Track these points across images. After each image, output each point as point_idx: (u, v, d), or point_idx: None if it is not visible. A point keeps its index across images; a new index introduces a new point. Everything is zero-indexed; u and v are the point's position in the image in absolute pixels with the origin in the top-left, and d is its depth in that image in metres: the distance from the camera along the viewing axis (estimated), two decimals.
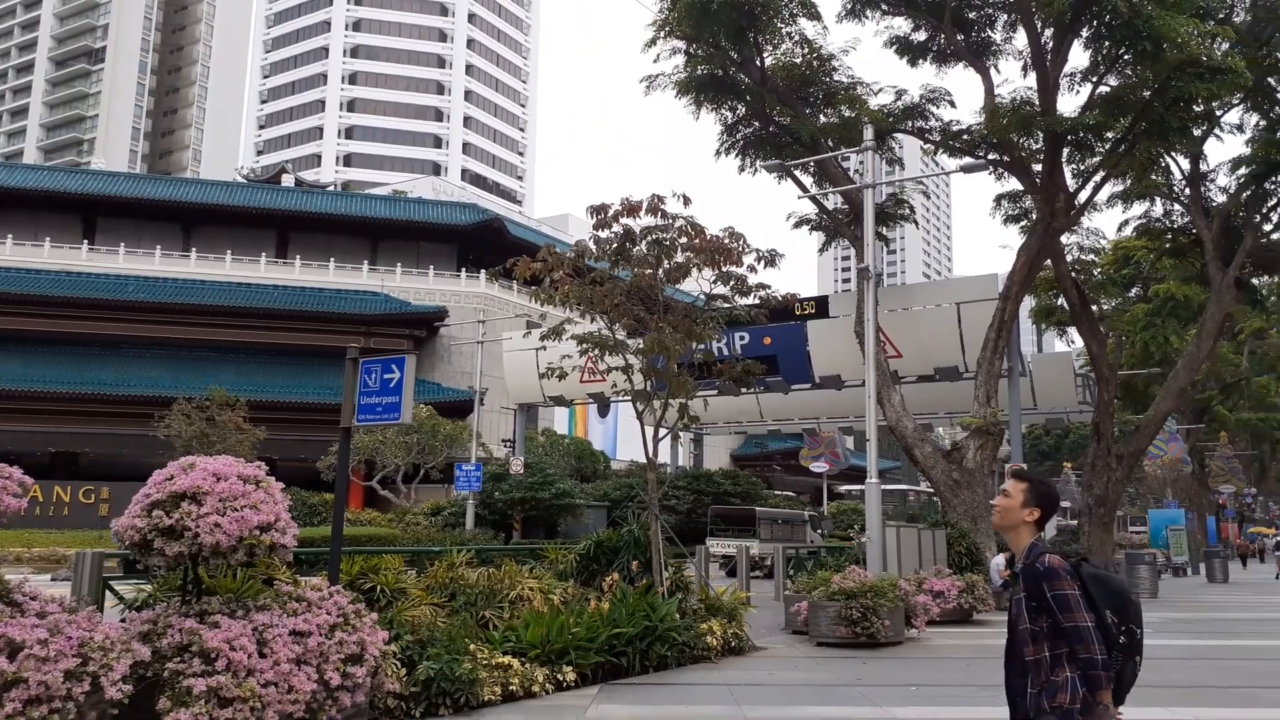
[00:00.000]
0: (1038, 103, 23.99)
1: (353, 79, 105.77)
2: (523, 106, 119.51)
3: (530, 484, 34.40)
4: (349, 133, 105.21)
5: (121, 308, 45.35)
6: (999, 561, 15.46)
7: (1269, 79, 26.95)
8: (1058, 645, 3.63)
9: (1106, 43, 22.41)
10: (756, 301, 13.69)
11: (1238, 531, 50.87)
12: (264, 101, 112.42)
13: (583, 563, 13.50)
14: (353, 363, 9.18)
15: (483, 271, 53.55)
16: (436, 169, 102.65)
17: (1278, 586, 30.26)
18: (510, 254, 13.34)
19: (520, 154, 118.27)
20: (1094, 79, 23.88)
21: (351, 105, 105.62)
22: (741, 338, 26.62)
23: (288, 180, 65.16)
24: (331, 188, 74.62)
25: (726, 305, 13.51)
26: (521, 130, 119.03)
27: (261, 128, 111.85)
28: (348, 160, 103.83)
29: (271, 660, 6.63)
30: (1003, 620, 15.26)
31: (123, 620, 7.04)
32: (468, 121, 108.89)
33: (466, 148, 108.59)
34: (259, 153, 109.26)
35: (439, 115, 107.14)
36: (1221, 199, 30.66)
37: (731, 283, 13.31)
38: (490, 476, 34.14)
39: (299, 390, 45.09)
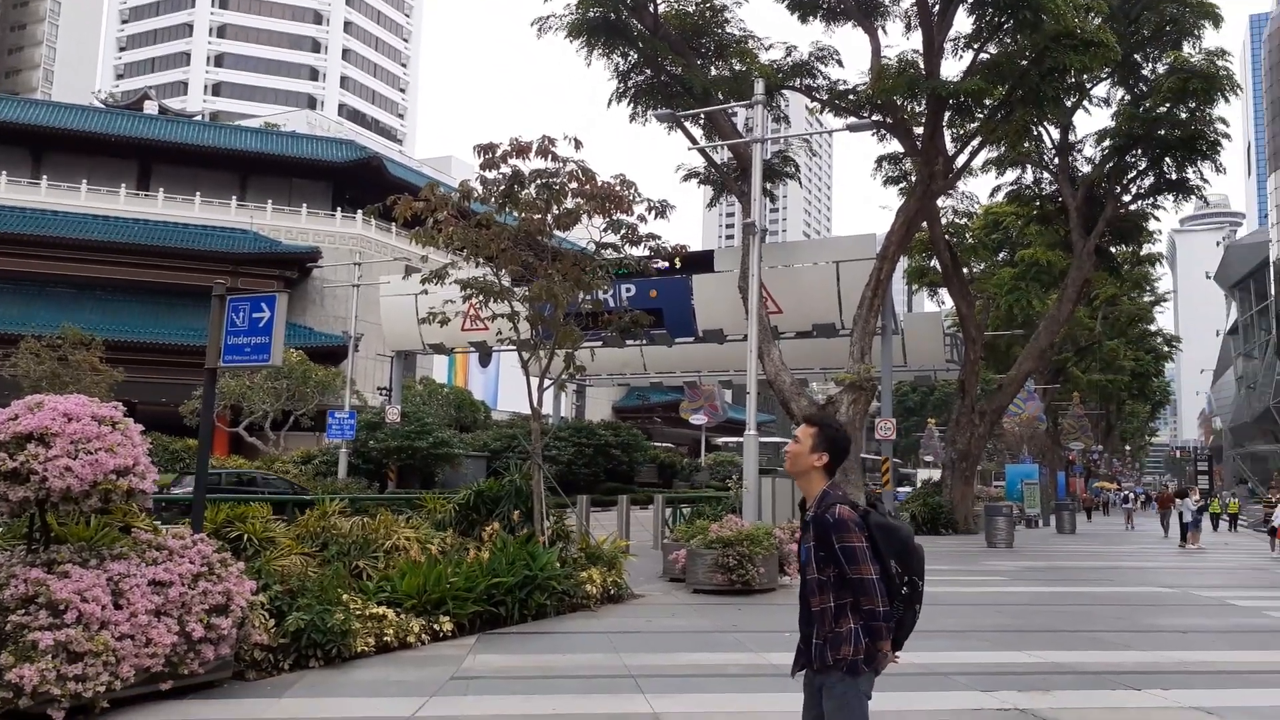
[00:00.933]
0: (922, 66, 24.49)
1: (223, 3, 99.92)
2: (406, 41, 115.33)
3: (407, 433, 33.73)
4: (218, 60, 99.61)
5: None
6: None
7: (1135, 55, 28.21)
8: (843, 595, 3.63)
9: (990, 9, 22.97)
10: (647, 252, 13.56)
11: (1084, 486, 54.14)
12: (125, 22, 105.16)
13: (462, 513, 13.29)
14: (219, 300, 8.67)
15: (359, 212, 51.78)
16: (312, 103, 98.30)
17: (1121, 537, 32.38)
18: (389, 194, 12.77)
19: (402, 91, 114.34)
20: (976, 45, 24.49)
21: (222, 31, 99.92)
22: (628, 289, 26.55)
23: (151, 108, 61.26)
24: (199, 118, 70.64)
25: (617, 254, 13.33)
26: (404, 66, 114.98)
27: (122, 49, 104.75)
28: (216, 89, 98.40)
29: (128, 612, 6.25)
30: None
31: None
32: (346, 54, 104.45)
33: (345, 82, 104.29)
34: (119, 77, 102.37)
35: (316, 46, 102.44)
36: (1087, 169, 32.14)
37: (622, 232, 13.14)
38: (365, 425, 33.30)
39: (161, 331, 42.88)
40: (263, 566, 8.76)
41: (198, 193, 51.24)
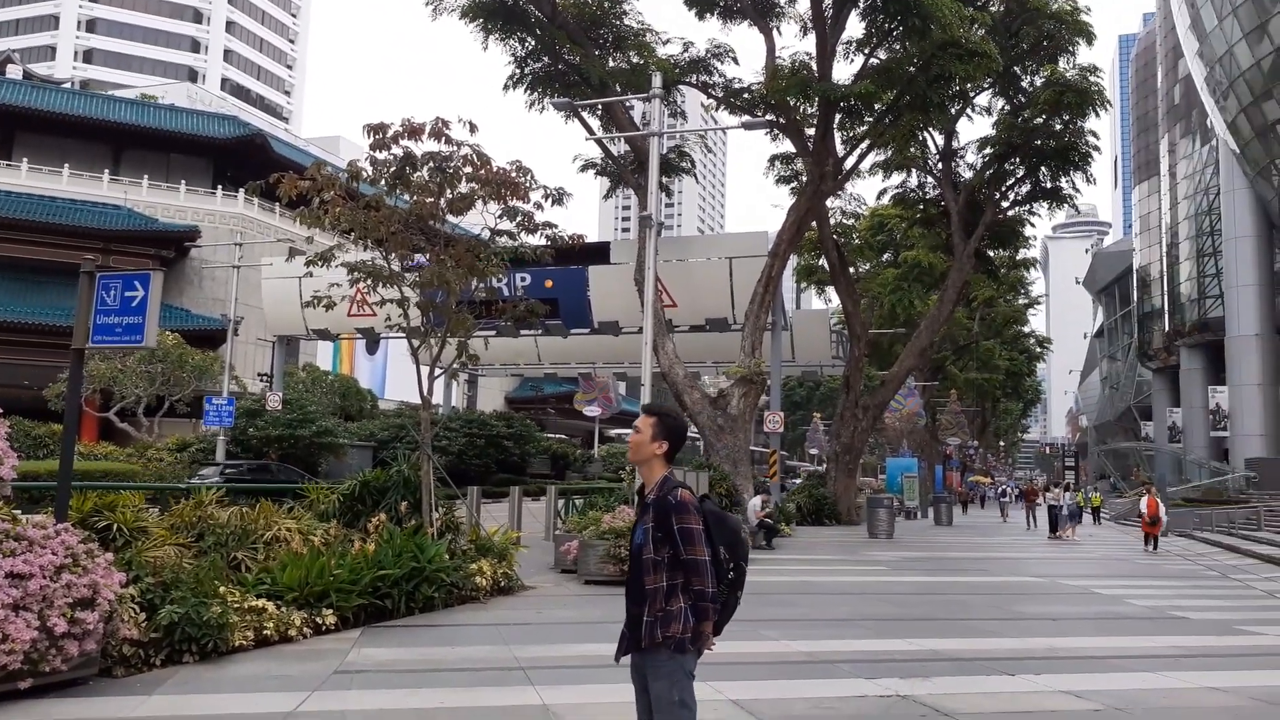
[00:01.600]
0: (815, 69, 24.97)
1: None
2: (294, 16, 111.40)
3: (289, 421, 32.70)
4: (90, 25, 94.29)
5: None
6: (755, 503, 16.36)
7: (1015, 68, 29.39)
8: (675, 576, 3.77)
9: (881, 15, 23.58)
10: (543, 240, 13.41)
11: (959, 480, 56.32)
12: None
13: (347, 503, 12.90)
14: (88, 277, 8.17)
15: (241, 190, 49.83)
16: (193, 75, 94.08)
17: (994, 529, 33.77)
18: (274, 173, 12.22)
19: (289, 67, 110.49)
20: (867, 50, 25.12)
21: None
22: (523, 279, 26.33)
23: (14, 71, 57.59)
24: (68, 85, 66.79)
25: (512, 242, 13.14)
26: (291, 42, 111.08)
27: None
28: (88, 56, 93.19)
29: None
30: (758, 558, 16.01)
31: None
32: (230, 26, 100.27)
33: (228, 55, 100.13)
34: None
35: (198, 16, 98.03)
36: (969, 175, 33.35)
37: (518, 219, 12.96)
38: (244, 412, 32.13)
39: (24, 310, 40.40)
40: (134, 558, 8.33)
41: (66, 165, 48.41)
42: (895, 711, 6.59)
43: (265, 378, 41.68)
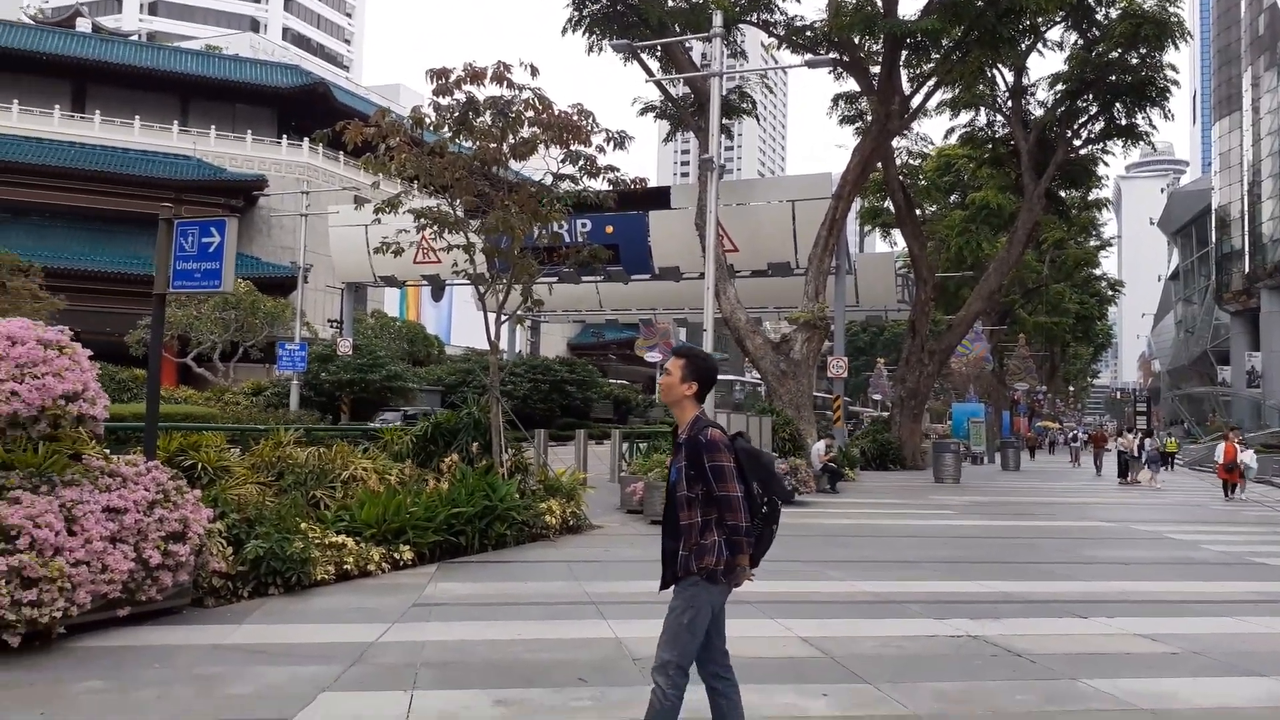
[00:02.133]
0: (880, 4, 24.27)
1: None
2: None
3: (359, 365, 33.39)
4: None
5: None
6: (820, 447, 16.28)
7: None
8: (709, 511, 3.89)
9: None
10: (606, 185, 13.36)
11: (1027, 425, 55.44)
12: None
13: (420, 444, 13.19)
14: (167, 224, 8.39)
15: (306, 139, 50.39)
16: (255, 25, 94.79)
17: (1063, 474, 33.24)
18: (336, 121, 12.31)
19: (348, 15, 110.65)
20: None
21: None
22: (584, 225, 26.31)
23: (84, 25, 58.71)
24: (135, 37, 67.89)
25: (575, 187, 13.13)
26: None
27: None
28: (153, 8, 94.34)
29: (82, 539, 6.13)
30: (822, 501, 16.06)
31: None
32: None
33: (289, 4, 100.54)
34: None
35: None
36: (1039, 113, 32.28)
37: (580, 163, 12.92)
38: (316, 357, 32.87)
39: (103, 259, 41.63)
40: (218, 495, 8.65)
41: (137, 116, 49.42)
42: (965, 651, 6.60)
43: (335, 324, 42.51)
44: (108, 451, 8.01)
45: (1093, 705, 5.37)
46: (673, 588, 3.98)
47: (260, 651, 6.06)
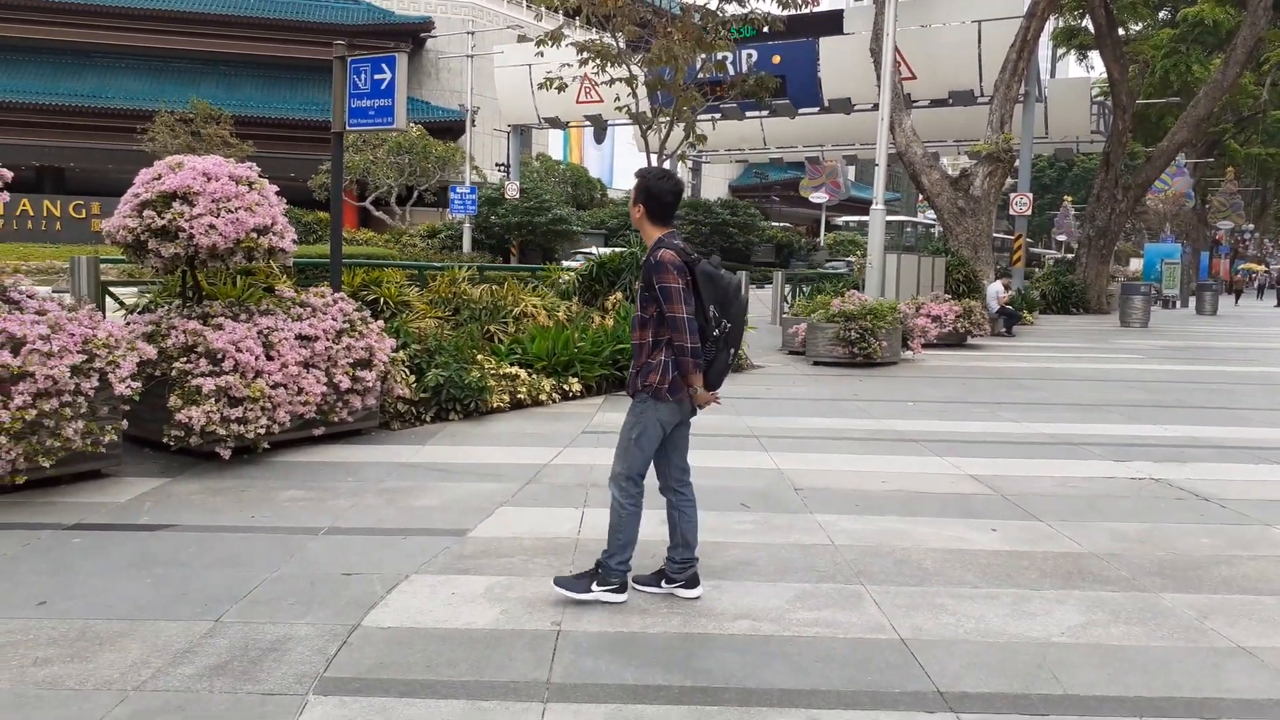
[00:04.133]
0: None
1: None
2: None
3: (526, 209, 33.96)
4: None
5: (91, 12, 42.62)
6: (996, 288, 15.56)
7: None
8: (661, 332, 3.94)
9: None
10: (775, 5, 12.68)
11: (1228, 268, 51.22)
12: None
13: (585, 283, 13.42)
14: (340, 62, 8.55)
15: None
16: None
17: (1267, 319, 30.71)
18: None
19: None
20: None
21: None
22: (750, 55, 25.26)
23: None
24: None
25: (741, 9, 12.52)
26: None
27: None
28: None
29: (279, 363, 6.59)
30: (997, 344, 15.49)
31: (126, 323, 6.93)
32: None
33: None
34: None
35: None
36: None
37: None
38: (485, 200, 33.62)
39: (284, 106, 43.41)
40: (400, 326, 9.10)
41: None
42: (1147, 493, 6.32)
43: (502, 167, 43.17)
44: (297, 286, 8.53)
45: None
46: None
47: (443, 469, 6.46)
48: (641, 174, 4.15)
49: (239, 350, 6.38)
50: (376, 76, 8.51)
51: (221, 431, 6.16)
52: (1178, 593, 4.35)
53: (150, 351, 6.06)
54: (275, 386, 6.53)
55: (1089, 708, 3.19)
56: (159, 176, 6.63)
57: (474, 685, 3.22)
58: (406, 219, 38.02)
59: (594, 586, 4.01)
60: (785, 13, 12.57)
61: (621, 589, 4.04)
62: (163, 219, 6.40)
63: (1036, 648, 3.66)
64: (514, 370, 9.20)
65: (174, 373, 6.26)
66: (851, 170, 53.82)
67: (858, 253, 23.37)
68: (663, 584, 4.17)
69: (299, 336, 6.91)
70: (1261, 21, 27.17)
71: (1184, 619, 4.01)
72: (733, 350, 4.04)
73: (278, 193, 7.19)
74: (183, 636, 3.54)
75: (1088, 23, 30.60)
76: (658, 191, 4.04)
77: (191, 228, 6.38)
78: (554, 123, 33.82)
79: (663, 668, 3.38)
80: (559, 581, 4.05)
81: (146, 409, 6.28)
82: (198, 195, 6.49)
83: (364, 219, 40.46)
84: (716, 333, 3.93)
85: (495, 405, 8.65)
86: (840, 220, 60.52)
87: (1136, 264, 46.59)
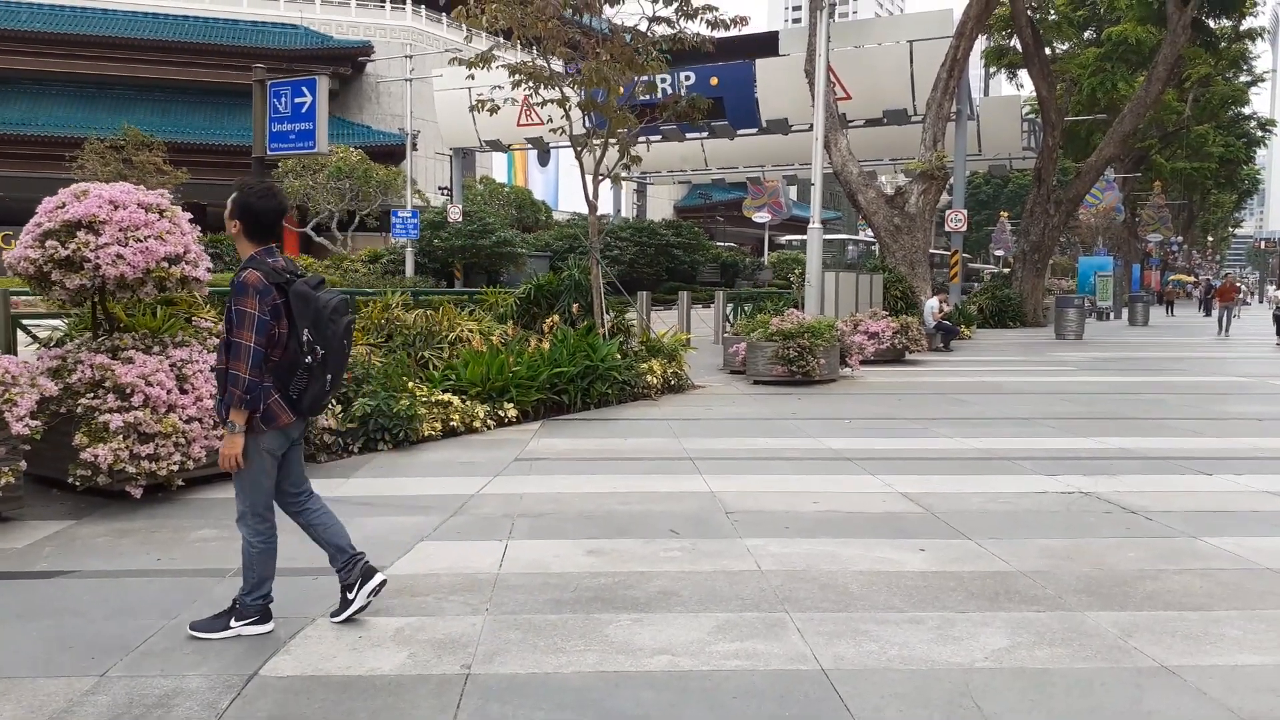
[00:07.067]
0: None
1: None
2: None
3: (470, 231, 33.74)
4: None
5: (16, 38, 41.64)
6: (933, 304, 15.74)
7: None
8: None
9: None
10: (704, 27, 12.71)
11: (1158, 279, 52.55)
12: None
13: (523, 306, 13.29)
14: (260, 86, 8.39)
15: (408, 1, 49.90)
16: None
17: (1195, 329, 31.49)
18: None
19: None
20: None
21: None
22: (687, 77, 25.39)
23: None
24: None
25: (671, 29, 12.53)
26: None
27: None
28: None
29: (194, 396, 6.36)
30: (934, 359, 15.61)
31: (38, 358, 6.65)
32: None
33: None
34: None
35: None
36: None
37: (676, 3, 12.29)
38: (428, 224, 33.33)
39: (222, 132, 42.77)
40: None
41: None
42: (1076, 507, 6.34)
43: (445, 191, 42.91)
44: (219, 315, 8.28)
45: (1211, 564, 5.08)
46: None
47: (365, 503, 6.26)
48: (242, 189, 3.91)
49: (149, 384, 6.14)
50: (297, 100, 8.37)
51: (131, 469, 5.90)
52: (1103, 610, 4.33)
53: (51, 388, 5.81)
54: (190, 421, 6.30)
55: None
56: (63, 205, 6.37)
57: None
58: (349, 244, 37.55)
59: (232, 623, 3.86)
60: (716, 34, 12.57)
61: (264, 619, 3.90)
62: (66, 249, 6.15)
63: (960, 674, 3.60)
64: (446, 397, 9.02)
65: (79, 409, 6.00)
66: (793, 190, 54.46)
67: (797, 270, 23.48)
68: (354, 594, 4.03)
69: (214, 369, 6.67)
70: (1181, 39, 28.05)
71: (1108, 638, 3.98)
72: (330, 377, 3.81)
73: (191, 220, 6.96)
74: (62, 695, 3.33)
75: (1016, 42, 31.31)
76: (259, 210, 3.84)
77: (98, 258, 6.13)
78: (495, 145, 33.70)
79: (574, 711, 3.25)
80: (194, 626, 3.87)
81: (51, 448, 6.01)
82: (104, 224, 6.25)
83: (305, 245, 39.88)
84: (310, 360, 3.72)
85: (427, 434, 8.46)
86: (784, 239, 61.07)
87: None
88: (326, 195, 35.03)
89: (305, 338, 3.70)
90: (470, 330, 11.51)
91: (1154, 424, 10.13)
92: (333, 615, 4.05)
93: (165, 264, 6.38)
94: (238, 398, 3.62)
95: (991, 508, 6.29)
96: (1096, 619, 4.21)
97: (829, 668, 3.63)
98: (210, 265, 6.88)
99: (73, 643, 3.81)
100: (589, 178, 12.90)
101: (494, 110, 12.48)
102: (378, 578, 4.06)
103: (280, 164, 32.78)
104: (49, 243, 6.19)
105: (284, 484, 3.99)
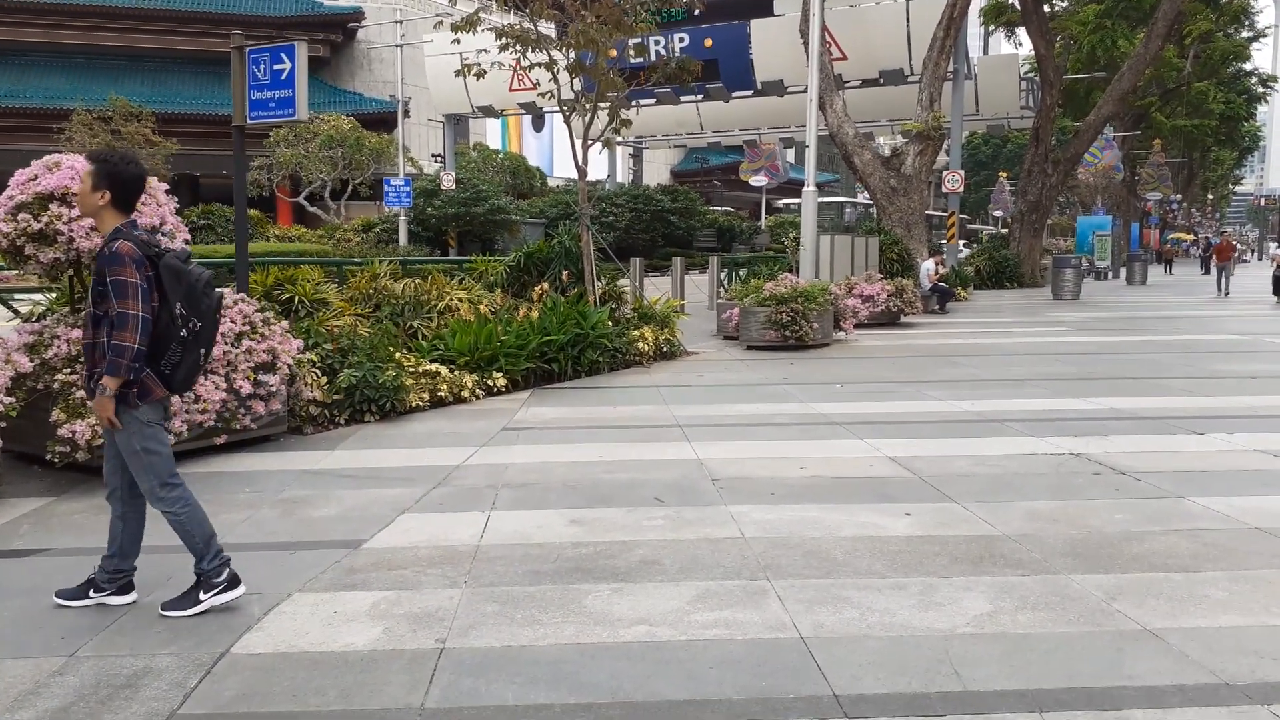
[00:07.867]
0: None
1: None
2: None
3: (463, 199, 33.47)
4: None
5: (1, 8, 41.11)
6: (929, 266, 15.61)
7: None
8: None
9: None
10: None
11: (1158, 238, 52.29)
12: None
13: (513, 274, 13.17)
14: (238, 52, 8.22)
15: None
16: None
17: (1194, 288, 31.35)
18: None
19: None
20: None
21: None
22: (681, 39, 25.09)
23: None
24: None
25: None
26: None
27: None
28: None
29: None
30: (929, 322, 15.53)
31: (17, 332, 6.57)
32: None
33: None
34: None
35: None
36: None
37: None
38: (421, 192, 33.07)
39: (214, 102, 42.26)
40: (311, 326, 8.79)
41: None
42: (1066, 469, 6.29)
43: (438, 158, 42.53)
44: None
45: (1199, 524, 5.03)
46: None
47: (348, 476, 6.21)
48: (100, 158, 3.77)
49: None
50: (276, 67, 8.19)
51: None
52: (1088, 574, 4.29)
53: (25, 364, 5.74)
54: None
55: (987, 704, 3.08)
56: (35, 177, 6.26)
57: (339, 715, 3.02)
58: (342, 213, 37.27)
59: (201, 596, 3.81)
60: None
61: (232, 584, 3.86)
62: (39, 222, 6.05)
63: (940, 640, 3.56)
64: (434, 367, 8.96)
65: (56, 385, 5.93)
66: (790, 153, 54.00)
67: (791, 235, 23.33)
68: (90, 594, 3.91)
69: None
70: None
71: (1091, 602, 3.94)
72: (203, 350, 3.74)
73: (168, 191, 6.85)
74: (30, 675, 3.29)
75: None
76: (128, 178, 3.73)
77: (71, 230, 6.04)
78: (488, 111, 33.39)
79: (548, 684, 3.21)
80: (165, 606, 3.81)
81: (31, 424, 5.96)
82: (76, 196, 6.14)
83: (299, 215, 39.63)
84: (184, 333, 3.64)
85: (414, 404, 8.40)
86: (781, 203, 60.71)
87: None
88: (318, 164, 34.70)
89: (179, 311, 3.62)
90: (459, 299, 11.42)
91: (1147, 384, 10.06)
92: (60, 597, 3.93)
93: None
94: (125, 366, 3.52)
95: (979, 470, 6.24)
96: (1081, 582, 4.17)
97: (808, 635, 3.59)
98: (189, 237, 6.79)
99: (43, 623, 3.77)
100: (578, 142, 12.74)
101: (480, 75, 12.30)
102: (131, 595, 3.95)
103: (272, 133, 32.45)
104: (21, 215, 6.09)
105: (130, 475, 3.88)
